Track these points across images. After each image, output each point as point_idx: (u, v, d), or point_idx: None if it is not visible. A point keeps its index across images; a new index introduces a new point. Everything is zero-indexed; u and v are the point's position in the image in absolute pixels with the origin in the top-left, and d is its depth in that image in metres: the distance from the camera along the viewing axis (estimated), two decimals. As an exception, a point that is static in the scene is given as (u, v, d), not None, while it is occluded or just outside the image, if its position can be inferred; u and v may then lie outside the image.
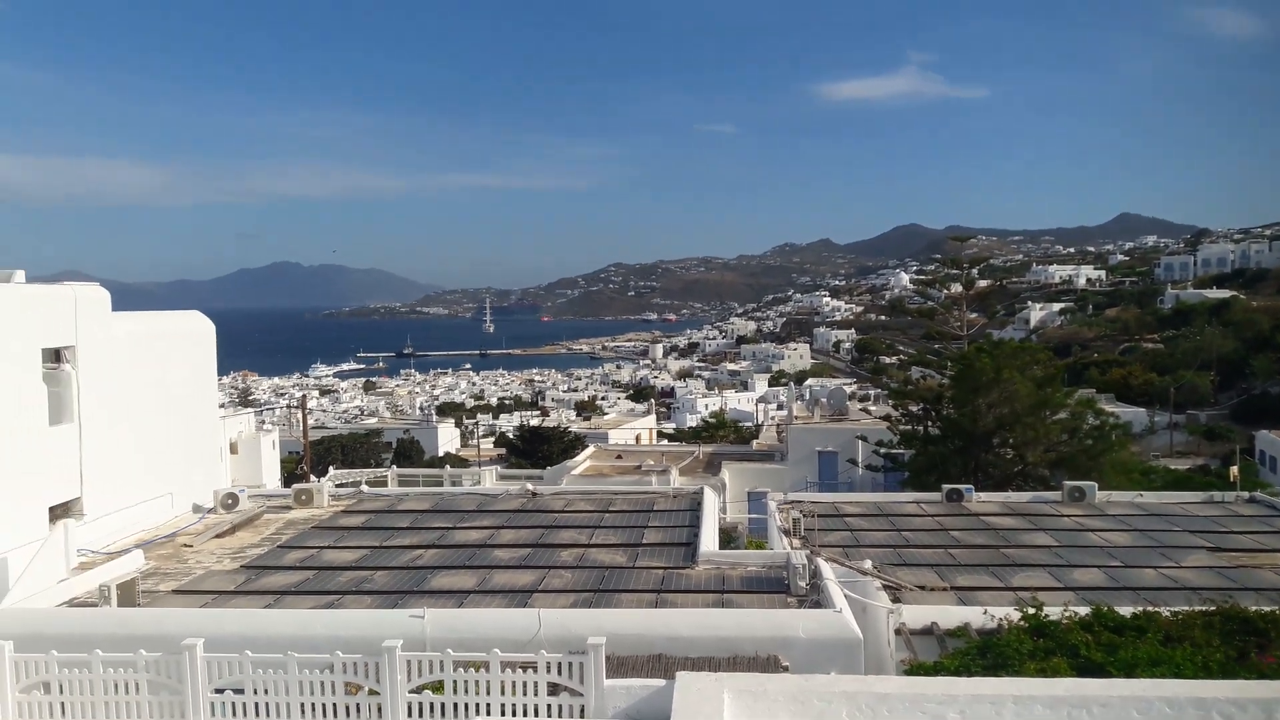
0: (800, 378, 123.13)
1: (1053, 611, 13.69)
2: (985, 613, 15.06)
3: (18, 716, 12.49)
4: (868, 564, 17.87)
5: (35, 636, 13.82)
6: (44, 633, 14.27)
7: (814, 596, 15.68)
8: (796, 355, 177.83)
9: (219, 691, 12.25)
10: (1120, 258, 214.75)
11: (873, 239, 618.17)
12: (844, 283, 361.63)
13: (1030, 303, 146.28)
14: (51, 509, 19.75)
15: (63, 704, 12.41)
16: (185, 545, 20.76)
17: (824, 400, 54.11)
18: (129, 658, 12.36)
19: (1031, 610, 13.60)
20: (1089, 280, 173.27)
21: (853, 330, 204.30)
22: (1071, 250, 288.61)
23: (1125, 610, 13.57)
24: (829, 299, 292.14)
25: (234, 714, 12.12)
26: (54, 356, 20.21)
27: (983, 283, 49.86)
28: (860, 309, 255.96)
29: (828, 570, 16.28)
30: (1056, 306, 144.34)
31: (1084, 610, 13.67)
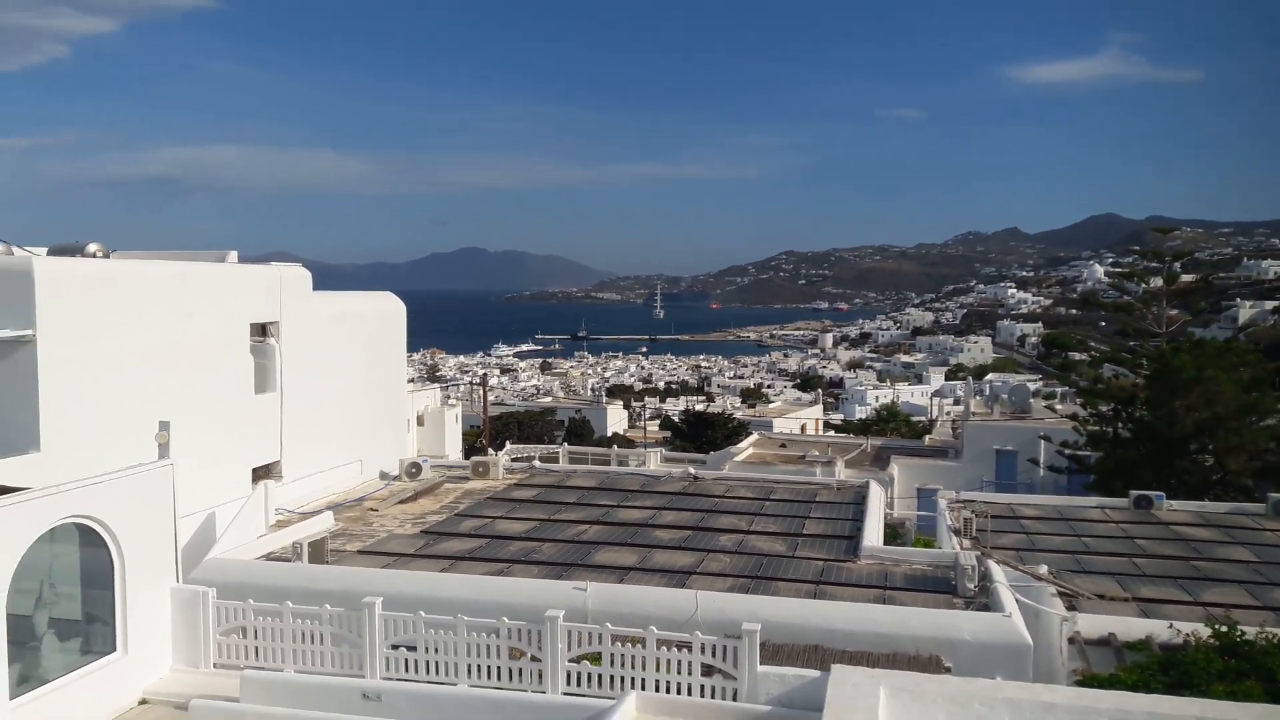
0: (980, 372, 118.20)
1: (1248, 631, 12.67)
2: (1171, 627, 14.13)
3: (217, 656, 13.72)
4: (1043, 569, 17.05)
5: (236, 585, 15.12)
6: (244, 582, 15.59)
7: (982, 599, 15.12)
8: (976, 349, 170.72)
9: (395, 647, 13.04)
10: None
11: (1064, 229, 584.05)
12: (1031, 274, 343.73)
13: (1239, 300, 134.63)
14: (254, 470, 21.50)
15: (256, 648, 13.54)
16: (371, 509, 22.11)
17: (1005, 396, 51.73)
18: (315, 610, 13.33)
19: (1224, 628, 12.64)
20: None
21: (1039, 324, 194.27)
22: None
23: (1334, 636, 12.40)
24: (1014, 290, 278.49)
25: (407, 669, 12.87)
26: (260, 331, 21.92)
27: (1186, 277, 46.21)
28: (1048, 302, 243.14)
29: (998, 573, 15.66)
30: (1270, 305, 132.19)
31: (1285, 633, 12.59)
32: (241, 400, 21.13)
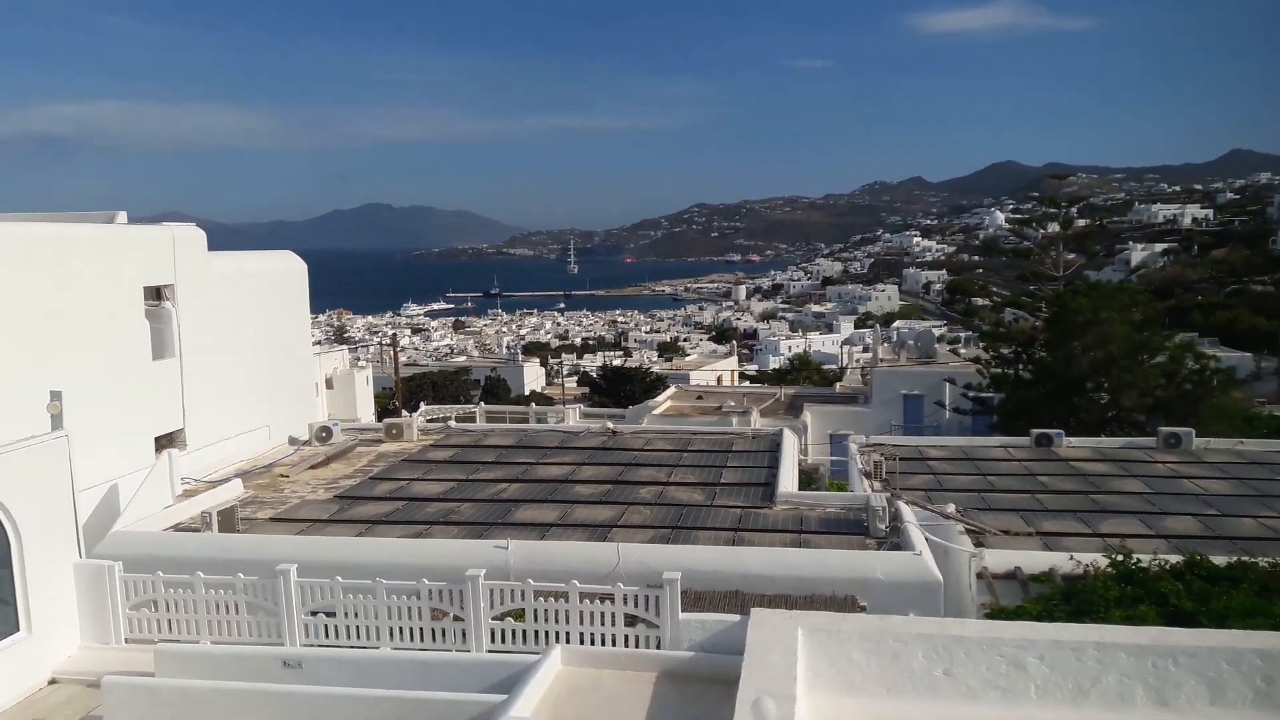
0: (888, 320, 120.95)
1: (1143, 559, 13.35)
2: (1071, 558, 14.78)
3: (128, 631, 13.32)
4: (950, 508, 17.64)
5: (144, 558, 14.66)
6: (152, 555, 15.13)
7: (893, 539, 15.58)
8: (884, 297, 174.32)
9: (313, 614, 12.83)
10: (1230, 196, 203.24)
11: (967, 176, 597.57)
12: (936, 222, 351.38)
13: (1132, 243, 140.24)
14: (157, 439, 20.78)
15: (169, 621, 13.18)
16: (282, 475, 21.61)
17: (911, 342, 53.08)
18: (229, 580, 13.02)
19: (1120, 557, 13.30)
20: (1195, 220, 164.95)
21: (944, 271, 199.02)
22: (1177, 188, 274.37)
23: (1220, 560, 13.15)
24: (919, 239, 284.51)
25: (326, 635, 12.70)
26: (155, 294, 21.06)
27: (1081, 222, 47.90)
28: (952, 249, 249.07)
29: (908, 513, 16.14)
30: (1159, 247, 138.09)
31: (1176, 559, 13.30)
32: (139, 367, 20.33)
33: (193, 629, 13.13)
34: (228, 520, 16.99)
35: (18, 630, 12.54)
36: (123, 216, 21.82)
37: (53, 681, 12.78)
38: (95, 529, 17.02)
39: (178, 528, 17.35)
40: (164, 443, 20.85)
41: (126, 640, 13.33)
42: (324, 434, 24.61)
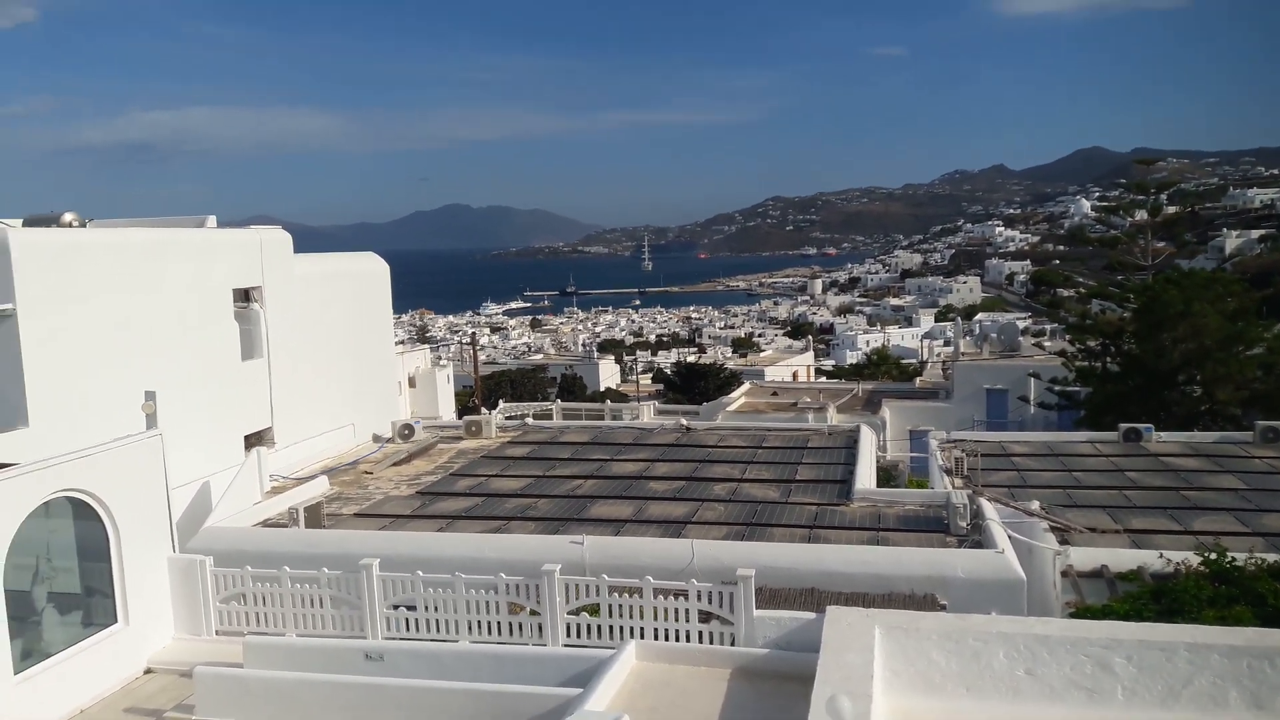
0: (969, 312, 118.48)
1: (1237, 557, 12.85)
2: (1161, 556, 14.31)
3: (218, 623, 13.81)
4: (1034, 504, 17.21)
5: (234, 553, 15.18)
6: (241, 550, 15.64)
7: (975, 536, 15.27)
8: (965, 289, 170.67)
9: (395, 607, 13.13)
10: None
11: (1050, 164, 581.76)
12: (1019, 211, 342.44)
13: (1226, 230, 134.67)
14: (246, 437, 21.48)
15: (257, 614, 13.62)
16: (366, 472, 22.14)
17: (994, 335, 51.85)
18: (314, 574, 13.40)
19: (1213, 555, 12.81)
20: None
21: (1028, 262, 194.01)
22: (1275, 172, 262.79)
23: (1321, 559, 12.58)
24: (1002, 228, 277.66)
25: (407, 629, 12.97)
26: (243, 296, 21.75)
27: (1171, 209, 46.20)
28: (1036, 239, 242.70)
29: (990, 510, 15.81)
30: (1256, 234, 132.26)
31: (1273, 558, 12.76)
32: (229, 367, 21.03)
33: (279, 622, 13.54)
34: (314, 516, 17.47)
35: (116, 622, 13.09)
36: (212, 220, 22.58)
37: (148, 671, 13.31)
38: (188, 525, 17.68)
39: (266, 523, 17.90)
40: (253, 441, 21.53)
41: (217, 632, 13.81)
42: (406, 431, 25.12)
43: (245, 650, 12.29)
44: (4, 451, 14.54)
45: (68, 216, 20.21)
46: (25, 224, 19.85)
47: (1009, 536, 14.81)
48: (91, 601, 13.16)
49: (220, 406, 20.49)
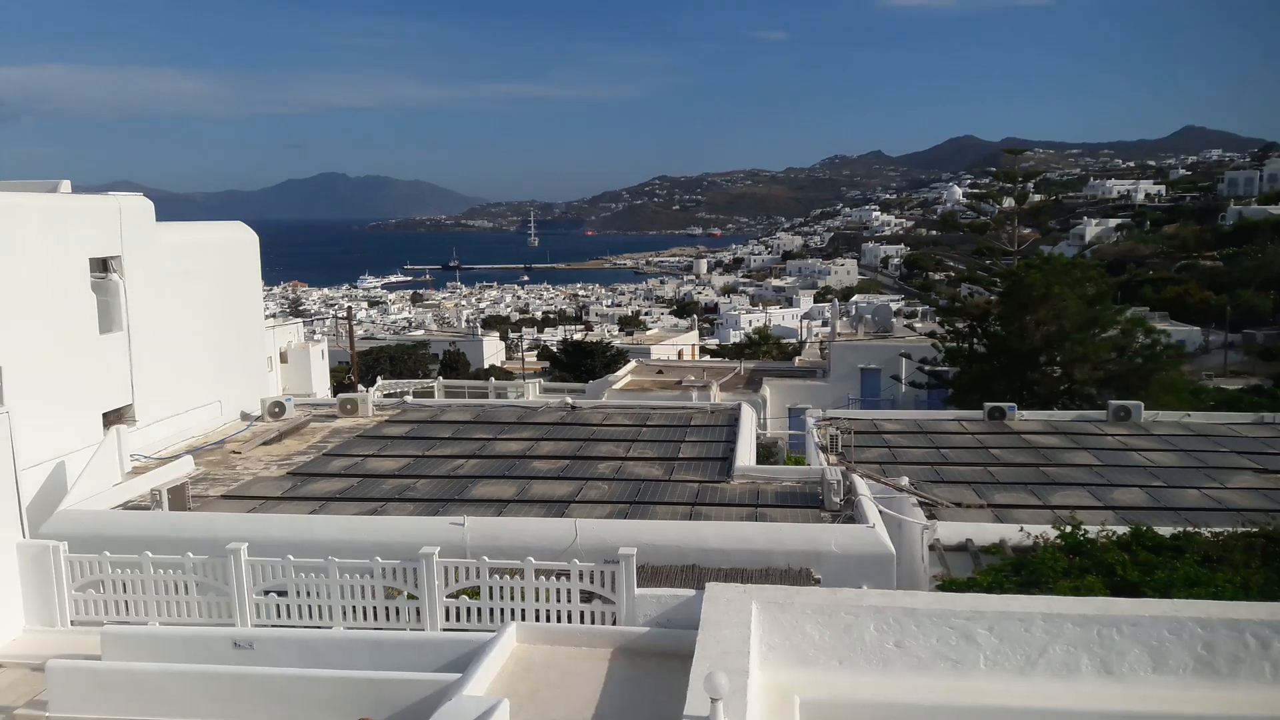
0: (846, 294, 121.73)
1: (1090, 530, 13.59)
2: (1022, 530, 15.02)
3: (74, 613, 13.07)
4: (904, 480, 17.84)
5: (91, 538, 14.37)
6: (99, 534, 14.83)
7: (848, 512, 15.72)
8: (843, 271, 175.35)
9: (265, 593, 12.67)
10: (1182, 172, 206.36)
11: (926, 151, 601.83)
12: (895, 196, 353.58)
13: (1086, 218, 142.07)
14: (105, 415, 20.31)
15: (116, 602, 12.95)
16: (234, 452, 21.29)
17: (869, 317, 53.46)
18: (178, 560, 12.81)
19: (1068, 528, 13.52)
20: (1148, 196, 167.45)
21: (903, 245, 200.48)
22: (1131, 164, 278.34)
23: (1165, 530, 13.42)
24: (879, 213, 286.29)
25: (278, 615, 12.55)
26: (101, 266, 20.53)
27: (1036, 197, 48.47)
28: (911, 224, 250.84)
29: (863, 486, 16.29)
30: (1113, 222, 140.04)
31: (1122, 530, 13.56)
32: (85, 341, 19.82)
33: (141, 610, 12.90)
34: (178, 498, 16.71)
35: (-42, 612, 12.27)
36: (67, 185, 21.18)
37: (-4, 665, 12.53)
38: (42, 508, 16.65)
39: (127, 506, 17.04)
40: (113, 419, 20.40)
41: (73, 622, 13.07)
42: (277, 409, 24.25)
43: (103, 641, 11.64)
44: None
45: (-100, 177, 18.64)
46: None
47: (880, 512, 15.30)
48: (-71, 592, 12.28)
49: (76, 382, 19.31)
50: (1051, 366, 32.67)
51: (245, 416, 24.16)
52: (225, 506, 17.13)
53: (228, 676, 10.50)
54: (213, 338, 24.37)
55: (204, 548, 13.22)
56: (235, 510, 16.72)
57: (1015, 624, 8.04)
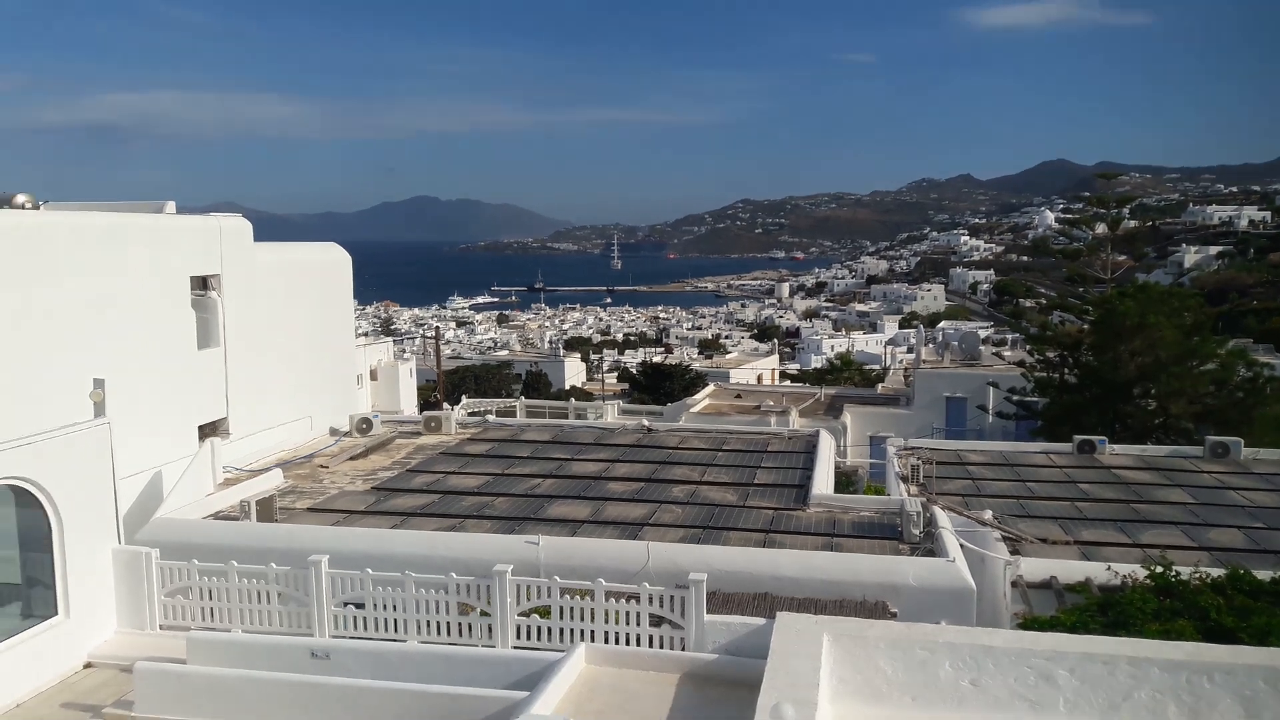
0: (933, 320, 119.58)
1: (1183, 571, 13.04)
2: (1109, 569, 14.49)
3: (162, 617, 13.55)
4: (987, 514, 17.39)
5: (182, 545, 14.91)
6: (190, 542, 15.39)
7: (927, 544, 15.38)
8: (930, 296, 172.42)
9: (343, 605, 12.96)
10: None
11: (1017, 175, 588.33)
12: (984, 221, 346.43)
13: (1184, 245, 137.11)
14: (200, 428, 21.11)
15: (202, 609, 13.39)
16: (321, 466, 21.87)
17: (955, 344, 52.34)
18: (261, 569, 13.19)
19: (1159, 568, 12.99)
20: (1252, 222, 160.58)
21: (991, 271, 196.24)
22: (1234, 189, 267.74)
23: (1264, 575, 12.79)
24: (967, 238, 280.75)
25: (355, 627, 12.81)
26: (201, 284, 21.39)
27: (1132, 223, 47.01)
28: (1000, 249, 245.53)
29: (944, 518, 15.94)
30: (1214, 250, 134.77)
31: (1217, 572, 12.97)
32: (184, 356, 20.66)
33: (225, 617, 13.32)
34: (266, 509, 17.22)
35: (56, 614, 12.80)
36: (171, 206, 22.16)
37: (88, 665, 13.03)
38: (138, 516, 17.36)
39: (217, 516, 17.62)
40: (207, 431, 21.18)
41: (161, 627, 13.54)
42: (364, 425, 24.86)
43: (189, 646, 12.07)
44: (-55, 437, 14.19)
45: (20, 198, 19.72)
46: (-25, 205, 19.37)
47: (961, 545, 14.93)
48: (32, 593, 12.88)
49: (174, 396, 20.13)
50: (1146, 399, 31.51)
51: (334, 432, 24.82)
52: (311, 519, 17.59)
53: (304, 686, 10.78)
54: (305, 355, 25.16)
55: (287, 559, 13.60)
56: (320, 523, 17.16)
57: (1098, 667, 7.75)
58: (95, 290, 18.15)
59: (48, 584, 12.81)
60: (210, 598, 13.39)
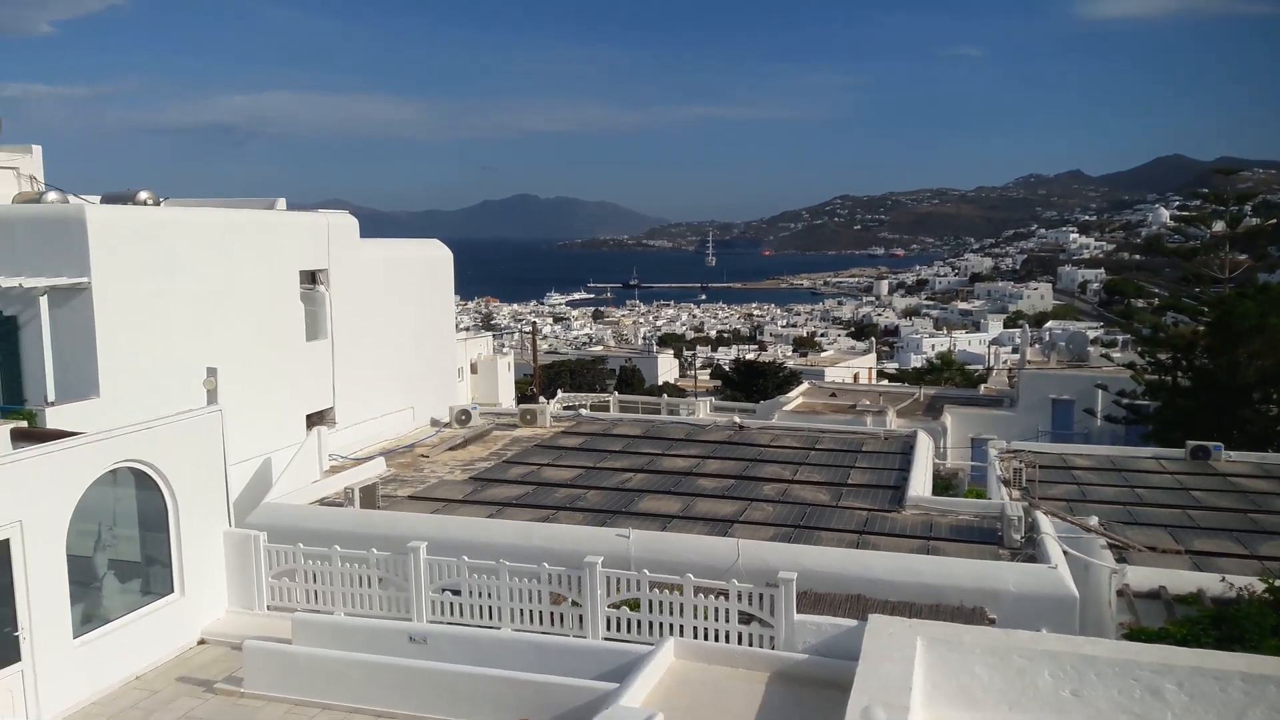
0: (1039, 319, 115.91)
1: (1305, 586, 12.37)
2: (1223, 580, 13.84)
3: (270, 598, 14.12)
4: (1093, 520, 16.78)
5: (289, 529, 15.51)
6: (297, 526, 15.99)
7: (1029, 550, 14.94)
8: (1036, 295, 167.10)
9: (440, 591, 13.29)
10: None
11: (1129, 171, 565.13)
12: (1095, 218, 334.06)
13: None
14: (308, 417, 21.91)
15: (307, 591, 13.89)
16: (422, 455, 22.45)
17: (1063, 344, 50.57)
18: (363, 554, 13.63)
19: (1278, 581, 12.34)
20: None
21: (1102, 270, 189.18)
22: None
23: (1396, 592, 12.04)
24: (1077, 235, 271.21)
25: (452, 612, 13.12)
26: (309, 278, 22.18)
27: (1253, 221, 44.60)
28: (1112, 247, 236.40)
29: (1046, 524, 15.46)
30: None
31: (1344, 588, 12.26)
32: (294, 347, 21.47)
33: (329, 600, 13.80)
34: (369, 497, 17.77)
35: (172, 591, 13.46)
36: (282, 203, 23.03)
37: (201, 642, 13.66)
38: (248, 500, 18.13)
39: (323, 502, 18.26)
40: (315, 420, 21.96)
41: (269, 607, 14.11)
42: (463, 417, 25.41)
43: (294, 626, 12.56)
44: (75, 420, 15.04)
45: (143, 195, 20.76)
46: (103, 201, 20.46)
47: (1064, 552, 14.46)
48: (150, 571, 13.54)
49: (284, 385, 20.93)
50: (1266, 404, 29.91)
51: (434, 423, 25.44)
52: (411, 507, 18.06)
53: (402, 669, 11.10)
54: (408, 347, 25.87)
55: (388, 544, 14.02)
56: (420, 511, 17.60)
57: (1210, 682, 7.43)
58: (211, 283, 18.99)
59: (165, 563, 13.47)
60: (314, 580, 13.90)
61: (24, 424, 13.73)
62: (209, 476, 13.95)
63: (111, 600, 12.90)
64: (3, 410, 14.90)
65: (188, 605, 13.58)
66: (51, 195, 19.88)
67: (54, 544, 11.49)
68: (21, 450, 11.84)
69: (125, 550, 13.60)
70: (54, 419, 15.35)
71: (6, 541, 10.97)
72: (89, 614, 12.34)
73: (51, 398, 16.35)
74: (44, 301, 16.41)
